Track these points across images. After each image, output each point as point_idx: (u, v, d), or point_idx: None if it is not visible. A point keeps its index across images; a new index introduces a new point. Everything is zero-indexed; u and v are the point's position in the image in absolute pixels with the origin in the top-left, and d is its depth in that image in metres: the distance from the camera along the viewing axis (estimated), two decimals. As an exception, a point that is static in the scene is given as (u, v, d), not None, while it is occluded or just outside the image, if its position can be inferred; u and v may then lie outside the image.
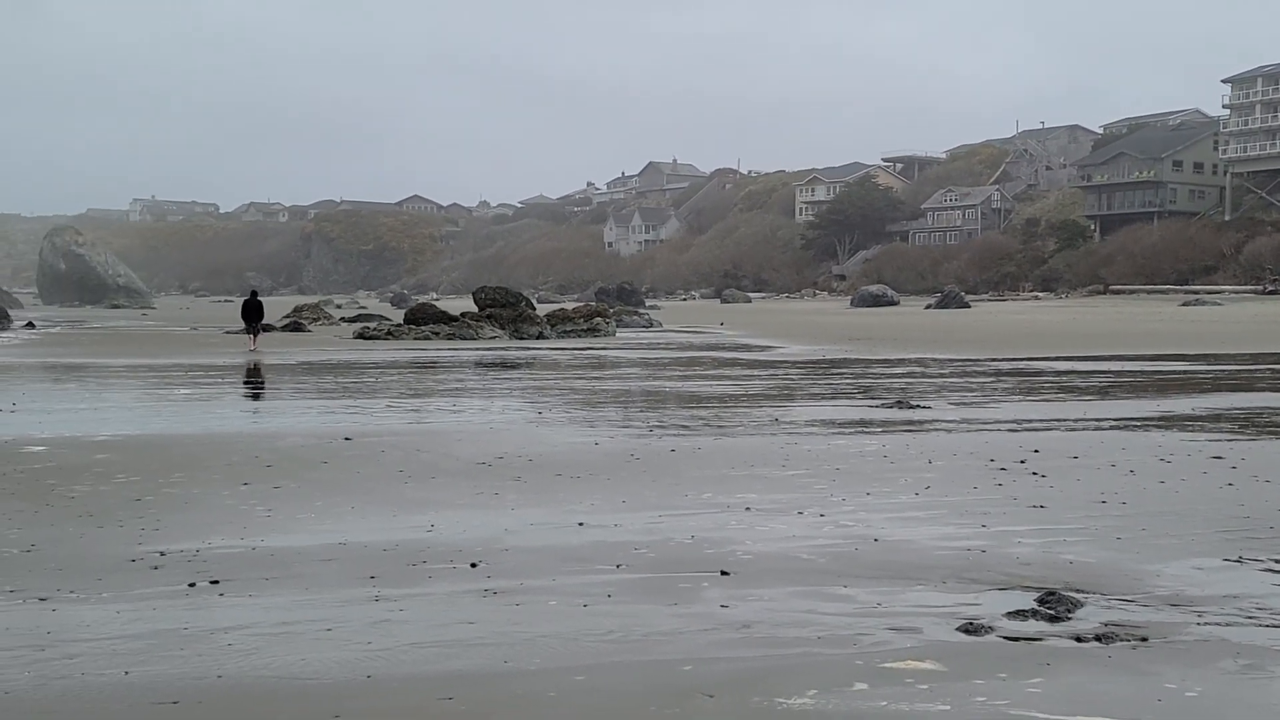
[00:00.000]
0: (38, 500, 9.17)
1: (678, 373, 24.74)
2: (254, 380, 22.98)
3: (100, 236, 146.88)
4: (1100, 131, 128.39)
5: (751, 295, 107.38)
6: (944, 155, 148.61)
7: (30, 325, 52.57)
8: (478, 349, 34.25)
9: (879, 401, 17.35)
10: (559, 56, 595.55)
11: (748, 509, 8.95)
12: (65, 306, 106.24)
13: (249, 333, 35.14)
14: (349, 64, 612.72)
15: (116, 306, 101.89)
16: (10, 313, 59.11)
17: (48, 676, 5.08)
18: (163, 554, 7.42)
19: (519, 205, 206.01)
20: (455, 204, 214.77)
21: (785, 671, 5.12)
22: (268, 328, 36.58)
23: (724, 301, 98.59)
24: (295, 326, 45.24)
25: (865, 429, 14.05)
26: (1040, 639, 5.59)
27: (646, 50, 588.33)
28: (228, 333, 43.45)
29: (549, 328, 41.37)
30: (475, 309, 43.67)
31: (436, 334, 39.11)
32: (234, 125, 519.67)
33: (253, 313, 35.47)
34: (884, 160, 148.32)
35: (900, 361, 27.30)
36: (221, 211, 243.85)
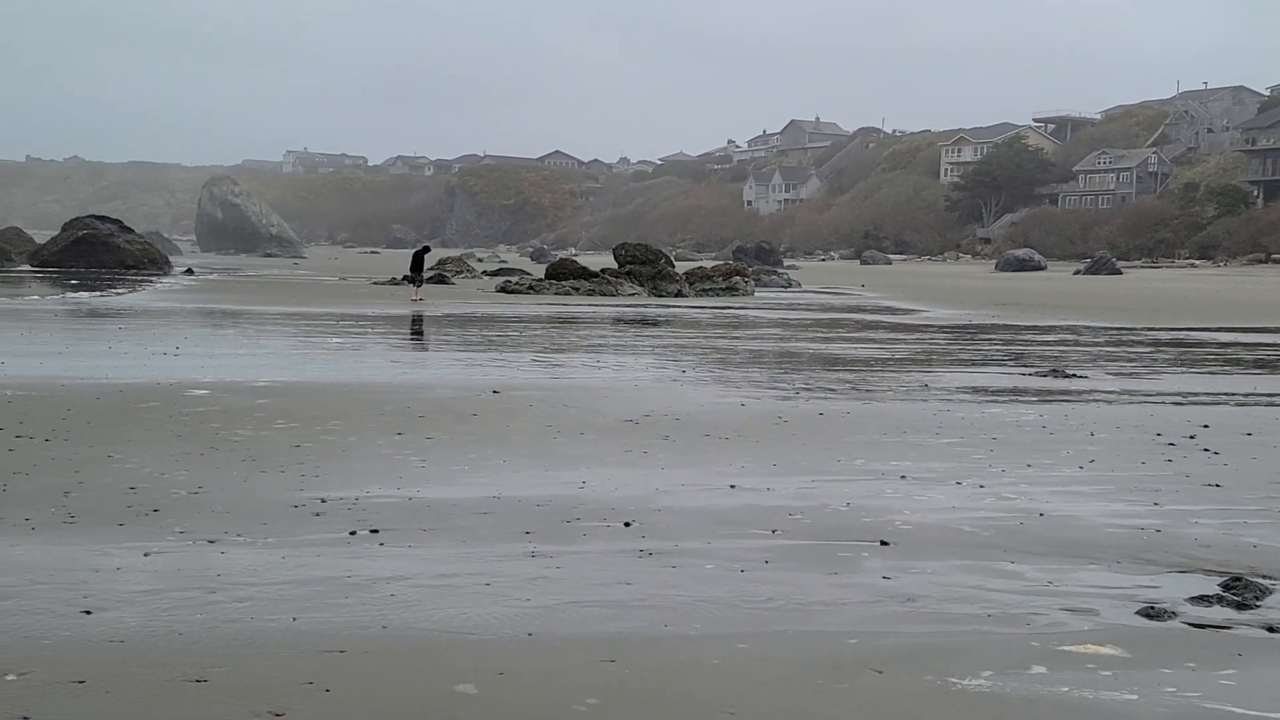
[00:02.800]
0: (203, 443, 9.42)
1: (819, 334, 24.42)
2: (406, 330, 23.38)
3: (255, 187, 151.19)
4: (1267, 94, 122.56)
5: (892, 257, 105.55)
6: (1098, 116, 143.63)
7: (189, 272, 54.39)
8: (617, 305, 34.33)
9: (1032, 369, 16.85)
10: (711, 9, 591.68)
11: (903, 477, 8.74)
12: (221, 254, 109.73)
13: (412, 283, 35.87)
14: (497, 19, 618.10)
15: (269, 255, 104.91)
16: (171, 259, 61.29)
17: (218, 619, 5.18)
18: (323, 501, 7.54)
19: (659, 162, 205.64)
20: (596, 160, 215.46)
21: (956, 650, 4.95)
22: (407, 278, 37.20)
23: (864, 263, 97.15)
24: (439, 279, 45.91)
25: (1020, 397, 13.64)
26: (1228, 627, 5.30)
27: (801, 1, 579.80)
28: (375, 283, 44.35)
29: (687, 286, 41.25)
30: (614, 265, 43.75)
31: (576, 289, 39.32)
32: (384, 79, 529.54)
33: (416, 264, 36.55)
34: (1035, 121, 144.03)
35: (1051, 328, 26.52)
36: (370, 164, 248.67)
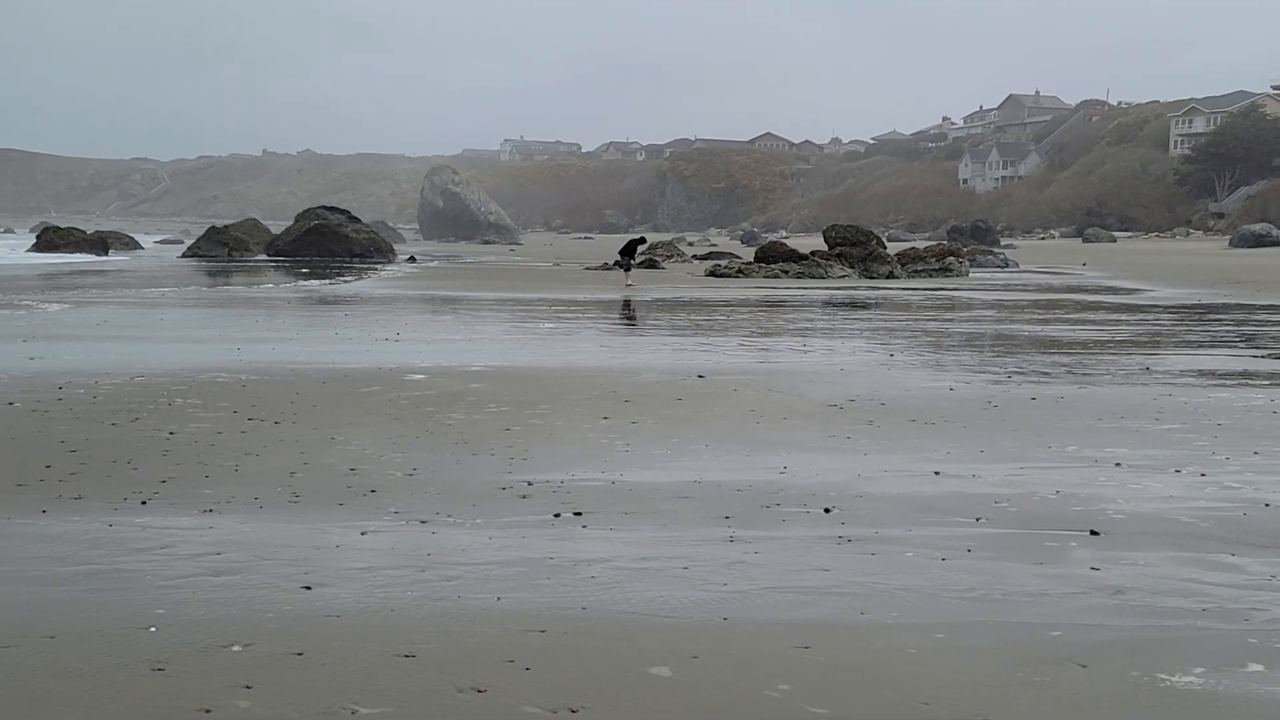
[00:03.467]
0: (419, 426, 9.80)
1: (1036, 316, 23.65)
2: (615, 315, 23.74)
3: (474, 175, 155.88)
4: None
5: (1116, 235, 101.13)
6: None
7: (412, 259, 56.49)
8: (827, 288, 34.01)
9: (1265, 352, 15.94)
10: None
11: (1118, 464, 8.42)
12: (442, 241, 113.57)
13: (624, 268, 36.42)
14: (708, 2, 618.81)
15: (487, 242, 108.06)
16: (395, 247, 63.76)
17: (427, 597, 5.40)
18: (530, 483, 7.76)
19: (871, 142, 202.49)
20: (807, 141, 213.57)
21: (1166, 645, 4.76)
22: (619, 264, 37.69)
23: (1086, 241, 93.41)
24: (650, 264, 46.40)
25: (1249, 381, 12.93)
26: None
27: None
28: (587, 269, 45.13)
29: (899, 267, 40.52)
30: (824, 247, 43.34)
31: (786, 272, 39.12)
32: (598, 67, 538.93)
33: (629, 250, 37.07)
34: (1273, 88, 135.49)
35: (1290, 308, 24.99)
36: (583, 151, 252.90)
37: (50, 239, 57.09)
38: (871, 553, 6.20)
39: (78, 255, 53.32)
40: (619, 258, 37.66)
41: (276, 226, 67.97)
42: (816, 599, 5.42)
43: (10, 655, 4.57)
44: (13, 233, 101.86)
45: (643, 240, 40.12)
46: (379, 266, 48.75)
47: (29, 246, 58.44)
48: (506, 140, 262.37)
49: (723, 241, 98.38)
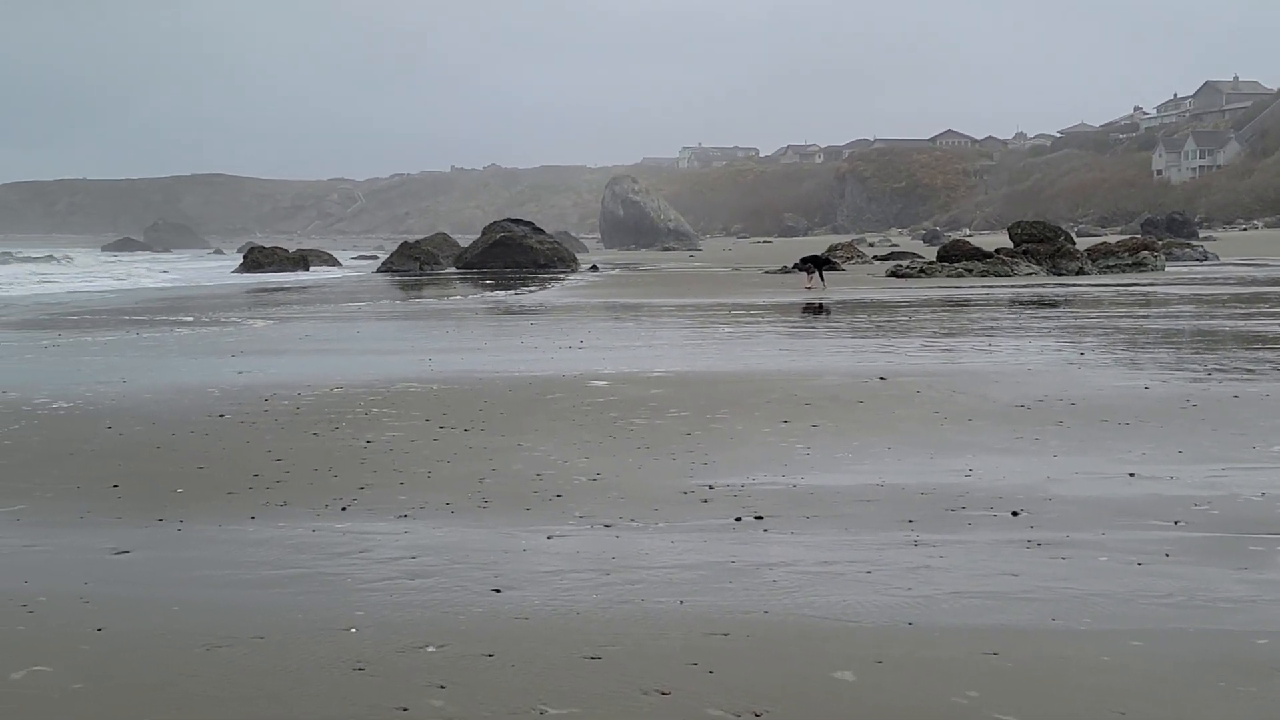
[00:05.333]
0: (602, 432, 9.96)
1: (1238, 310, 22.58)
2: (795, 318, 23.64)
3: (653, 184, 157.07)
4: None
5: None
6: None
7: (594, 268, 57.30)
8: (1012, 286, 33.14)
9: None
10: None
11: (1330, 465, 7.99)
12: (623, 249, 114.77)
13: (807, 272, 36.13)
14: (885, 1, 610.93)
15: (667, 249, 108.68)
16: (577, 256, 64.77)
17: (612, 600, 5.50)
18: (711, 488, 7.81)
19: (1057, 135, 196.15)
20: (990, 137, 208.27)
21: (1383, 656, 4.51)
22: (803, 268, 37.41)
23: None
24: (829, 265, 45.99)
25: None
26: None
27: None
28: (766, 272, 45.02)
29: (1089, 263, 39.21)
30: (1010, 245, 42.22)
31: (969, 271, 38.27)
32: (776, 72, 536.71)
33: (813, 259, 36.87)
34: None
35: None
36: (761, 155, 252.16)
37: (256, 258, 59.86)
38: (1062, 557, 6.04)
39: (281, 273, 55.77)
40: (799, 262, 37.42)
41: (464, 240, 69.75)
42: (1005, 604, 5.32)
43: (223, 654, 4.84)
44: (222, 253, 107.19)
45: (828, 262, 39.37)
46: (562, 276, 49.62)
47: (236, 266, 61.42)
48: (685, 148, 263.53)
49: (904, 241, 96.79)
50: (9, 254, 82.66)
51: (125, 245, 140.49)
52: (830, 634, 4.98)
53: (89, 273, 58.72)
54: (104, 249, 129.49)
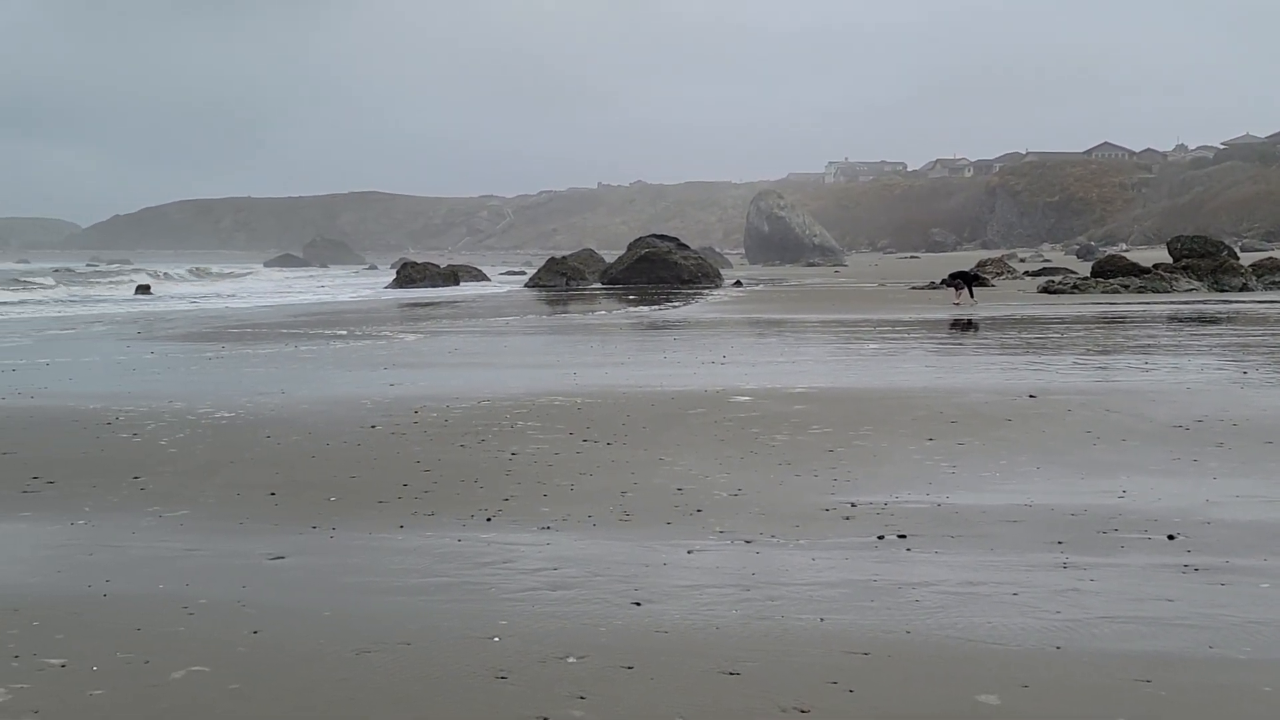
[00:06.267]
0: (743, 447, 9.95)
1: None
2: (942, 334, 23.26)
3: (798, 199, 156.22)
4: None
5: None
6: None
7: (738, 284, 57.20)
8: (1171, 302, 32.02)
9: None
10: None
11: None
12: (767, 265, 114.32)
13: (955, 287, 35.55)
14: (1033, 11, 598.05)
15: (812, 264, 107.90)
16: (721, 272, 64.77)
17: (750, 616, 5.49)
18: (853, 505, 7.73)
19: (1220, 147, 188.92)
20: (1148, 149, 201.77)
21: None
22: (951, 283, 36.73)
23: None
24: (978, 280, 45.15)
25: None
26: None
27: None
28: (913, 288, 44.36)
29: (1254, 279, 37.64)
30: (1168, 260, 40.81)
31: (1125, 287, 37.09)
32: (924, 85, 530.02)
33: (962, 274, 36.31)
34: None
35: None
36: (908, 169, 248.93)
37: (408, 274, 61.34)
38: (1221, 583, 5.82)
39: (432, 288, 57.04)
40: (947, 277, 36.80)
41: (610, 256, 70.36)
42: (1158, 630, 5.15)
43: (371, 659, 4.98)
44: (375, 269, 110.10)
45: (977, 278, 38.65)
46: (706, 291, 49.67)
47: (389, 282, 63.05)
48: (831, 162, 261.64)
49: (1056, 257, 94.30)
50: (205, 269, 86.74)
51: (285, 261, 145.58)
52: (975, 656, 4.89)
53: (249, 289, 60.94)
54: (265, 264, 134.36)
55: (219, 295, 50.99)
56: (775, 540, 6.89)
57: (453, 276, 62.44)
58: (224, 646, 5.17)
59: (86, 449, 10.18)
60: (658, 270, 57.22)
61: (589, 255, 68.48)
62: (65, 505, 8.09)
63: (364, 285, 65.33)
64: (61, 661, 4.98)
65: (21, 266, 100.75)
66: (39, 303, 43.11)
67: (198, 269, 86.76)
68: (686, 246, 64.78)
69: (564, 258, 64.96)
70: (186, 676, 4.82)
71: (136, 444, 10.42)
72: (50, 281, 58.94)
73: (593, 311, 34.76)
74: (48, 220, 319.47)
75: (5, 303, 41.52)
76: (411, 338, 24.09)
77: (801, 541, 6.85)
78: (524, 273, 79.89)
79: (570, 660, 4.93)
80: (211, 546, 6.99)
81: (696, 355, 18.77)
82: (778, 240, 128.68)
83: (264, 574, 6.39)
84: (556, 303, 41.57)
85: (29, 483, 8.80)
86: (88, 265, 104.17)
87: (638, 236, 68.51)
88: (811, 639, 5.15)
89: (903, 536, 6.89)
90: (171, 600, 5.86)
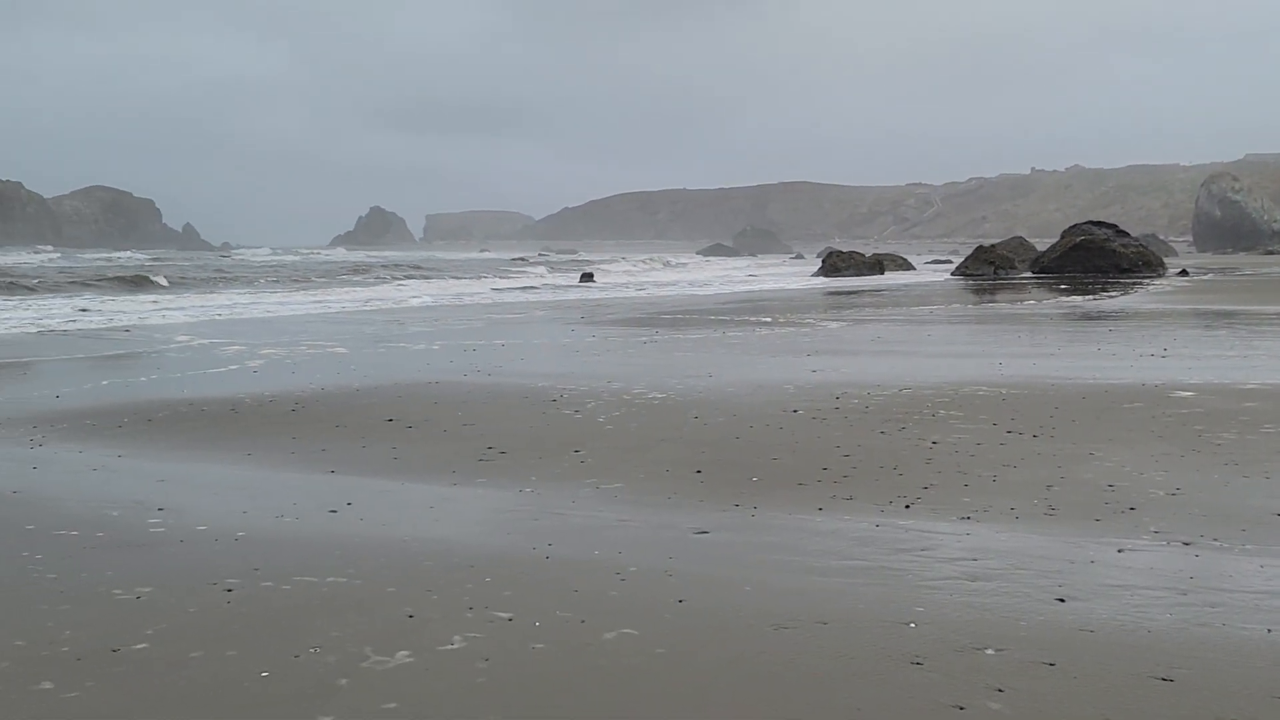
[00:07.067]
0: (1184, 445, 9.32)
1: None
2: None
3: (1256, 182, 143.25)
4: None
5: None
6: None
7: (1183, 273, 53.41)
8: None
9: None
10: None
11: None
12: (1218, 253, 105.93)
13: None
14: None
15: (1270, 253, 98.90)
16: (1164, 261, 60.66)
17: (1188, 621, 5.17)
18: (1311, 512, 7.08)
19: None
20: None
21: None
22: None
23: None
24: None
25: None
26: None
27: None
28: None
29: None
30: None
31: None
32: None
33: None
34: None
35: None
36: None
37: (833, 263, 61.66)
38: None
39: (857, 277, 57.08)
40: None
41: (1041, 244, 67.58)
42: None
43: (789, 635, 5.12)
44: (802, 258, 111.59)
45: None
46: (1146, 281, 46.65)
47: (814, 270, 63.67)
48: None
49: None
50: (643, 257, 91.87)
51: (716, 250, 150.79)
52: None
53: (682, 277, 63.44)
54: (697, 253, 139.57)
55: (655, 283, 53.42)
56: (1217, 544, 6.43)
57: (877, 265, 62.13)
58: (652, 612, 5.48)
59: (534, 423, 11.02)
60: (1093, 259, 54.33)
61: (1019, 243, 66.17)
62: (515, 474, 8.80)
63: (790, 274, 66.34)
64: (508, 615, 5.45)
65: (484, 256, 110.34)
66: (503, 290, 46.94)
67: (647, 259, 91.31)
68: (1125, 234, 61.05)
69: (992, 246, 63.04)
70: (617, 638, 5.15)
71: (577, 420, 11.16)
72: (536, 270, 64.12)
73: (1021, 301, 33.55)
74: (504, 213, 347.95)
75: (475, 293, 45.48)
76: (834, 325, 24.25)
77: (1248, 547, 6.36)
78: (950, 261, 78.31)
79: (989, 652, 4.85)
80: (642, 518, 7.39)
81: (1133, 347, 17.73)
82: (1230, 226, 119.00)
83: (689, 546, 6.69)
84: (983, 292, 40.45)
85: (485, 452, 9.64)
86: (539, 255, 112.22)
87: (1072, 224, 65.34)
88: (1256, 650, 4.79)
89: (1370, 549, 6.24)
90: (605, 566, 6.26)
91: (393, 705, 4.46)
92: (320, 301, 36.66)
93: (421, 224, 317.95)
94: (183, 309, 31.57)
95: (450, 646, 5.05)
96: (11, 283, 40.27)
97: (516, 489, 8.31)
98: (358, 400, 12.62)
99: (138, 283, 43.55)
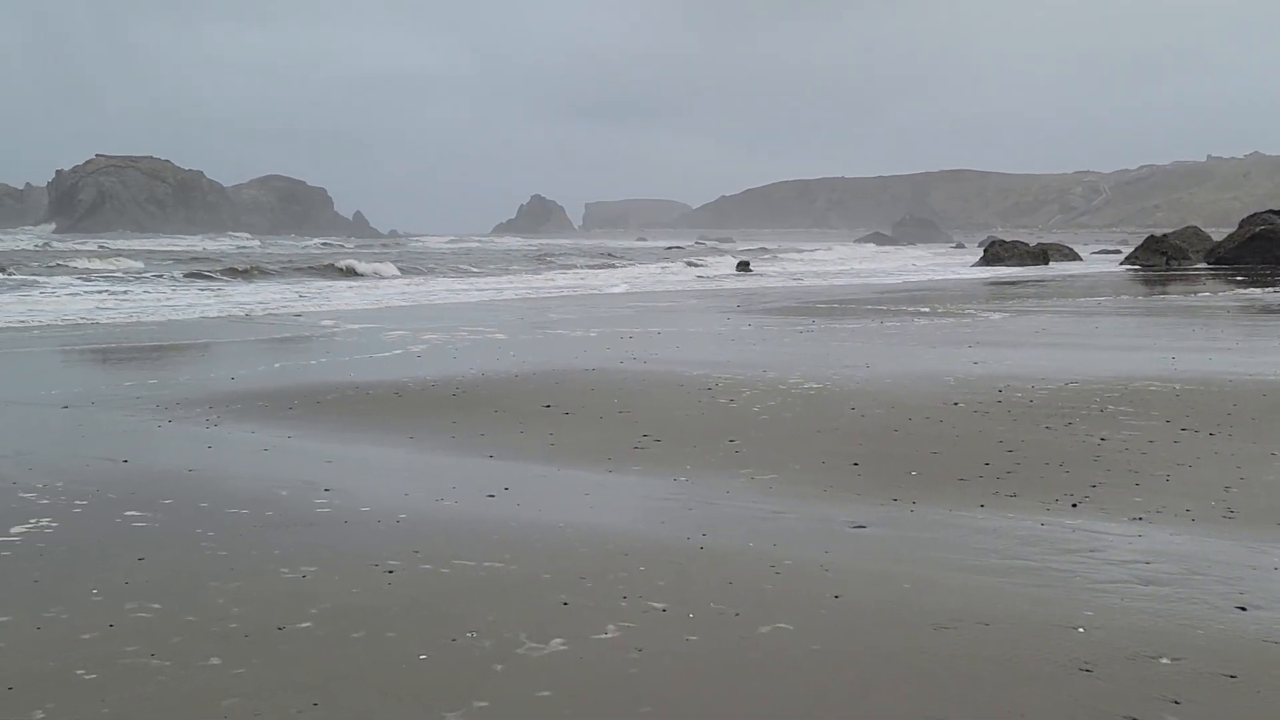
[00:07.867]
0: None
1: None
2: None
3: None
4: None
5: None
6: None
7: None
8: None
9: None
10: None
11: None
12: None
13: None
14: None
15: None
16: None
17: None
18: None
19: None
20: None
21: None
22: None
23: None
24: None
25: None
26: None
27: None
28: None
29: None
30: None
31: None
32: None
33: None
34: None
35: None
36: None
37: (995, 252, 60.20)
38: None
39: (1020, 268, 55.60)
40: None
41: (1217, 235, 64.78)
42: None
43: (949, 635, 4.97)
44: (962, 247, 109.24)
45: None
46: (1334, 272, 44.32)
47: (975, 260, 62.25)
48: None
49: None
50: (800, 246, 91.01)
51: (875, 239, 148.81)
52: None
53: (840, 266, 62.73)
54: (855, 241, 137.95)
55: (813, 272, 52.91)
56: None
57: (1042, 255, 60.42)
58: (807, 607, 5.39)
59: (689, 411, 10.99)
60: (1274, 249, 51.84)
61: (1193, 233, 63.46)
62: (670, 462, 8.79)
63: (950, 263, 65.03)
64: (663, 606, 5.42)
65: (641, 245, 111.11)
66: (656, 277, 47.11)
67: (798, 247, 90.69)
68: (1316, 222, 58.01)
69: (1164, 235, 60.69)
70: (772, 632, 5.07)
71: (732, 409, 11.09)
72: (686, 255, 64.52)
73: (1194, 293, 32.21)
74: (662, 201, 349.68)
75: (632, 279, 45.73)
76: (996, 316, 23.64)
77: None
78: (1119, 251, 75.75)
79: (1163, 661, 4.63)
80: (798, 510, 7.29)
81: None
82: None
83: (846, 541, 6.57)
84: (1154, 283, 38.96)
85: (639, 439, 9.65)
86: (695, 243, 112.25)
87: (1251, 213, 62.42)
88: None
89: None
90: (760, 558, 6.19)
91: (547, 693, 4.47)
92: (533, 288, 37.43)
93: (581, 212, 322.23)
94: (403, 293, 32.53)
95: (604, 635, 5.05)
96: (250, 269, 42.42)
97: (671, 477, 8.28)
98: (516, 386, 12.78)
99: (350, 272, 45.00)
